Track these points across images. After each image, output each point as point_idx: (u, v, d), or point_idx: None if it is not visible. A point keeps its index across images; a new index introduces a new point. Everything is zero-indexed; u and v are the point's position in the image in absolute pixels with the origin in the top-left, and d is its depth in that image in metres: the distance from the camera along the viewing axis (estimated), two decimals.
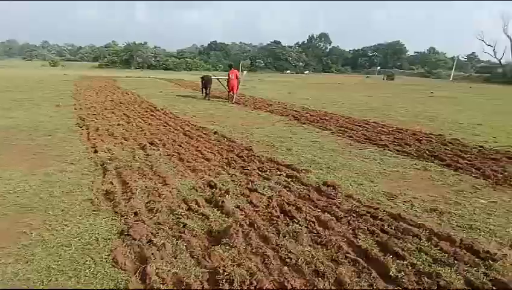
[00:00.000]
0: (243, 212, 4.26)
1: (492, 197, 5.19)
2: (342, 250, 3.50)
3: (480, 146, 8.61)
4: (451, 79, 68.72)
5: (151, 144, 7.59)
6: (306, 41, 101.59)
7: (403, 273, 3.14)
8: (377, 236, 3.82)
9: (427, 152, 7.76)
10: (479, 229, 4.11)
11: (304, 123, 11.27)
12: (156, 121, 10.66)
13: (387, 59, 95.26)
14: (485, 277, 3.08)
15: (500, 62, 73.57)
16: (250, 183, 5.29)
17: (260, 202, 4.61)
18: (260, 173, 5.84)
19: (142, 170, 5.82)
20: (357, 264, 3.26)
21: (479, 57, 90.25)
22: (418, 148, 8.20)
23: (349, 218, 4.22)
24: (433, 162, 7.09)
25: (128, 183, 5.13)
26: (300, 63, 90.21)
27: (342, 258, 3.37)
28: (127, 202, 4.48)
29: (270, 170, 5.99)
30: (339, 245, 3.57)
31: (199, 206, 4.43)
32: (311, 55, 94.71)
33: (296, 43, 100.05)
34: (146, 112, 12.53)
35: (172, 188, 5.03)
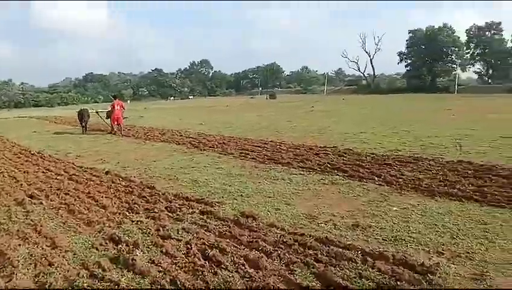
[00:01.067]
0: (161, 268, 3.61)
1: (402, 203, 5.38)
2: None
3: (372, 153, 9.19)
4: (325, 93, 75.57)
5: (31, 197, 6.32)
6: (188, 68, 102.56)
7: None
8: (312, 267, 3.54)
9: (328, 165, 7.95)
10: (404, 239, 4.13)
11: (204, 150, 10.82)
12: (33, 167, 9.10)
13: (267, 79, 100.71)
14: None
15: (363, 75, 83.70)
16: (161, 229, 4.62)
17: (178, 250, 4.00)
18: (170, 214, 5.20)
19: (23, 232, 4.71)
20: None
21: (345, 71, 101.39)
22: (318, 162, 8.38)
23: (279, 252, 3.88)
24: (337, 174, 7.24)
25: (6, 253, 4.06)
26: (186, 89, 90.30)
27: None
28: (8, 281, 3.49)
29: (180, 208, 5.38)
30: (277, 288, 3.19)
31: (104, 270, 3.63)
32: (195, 80, 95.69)
33: (178, 70, 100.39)
34: (19, 157, 10.73)
35: (66, 251, 4.11)
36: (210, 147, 11.21)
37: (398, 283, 3.16)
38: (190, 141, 12.50)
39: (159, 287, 3.24)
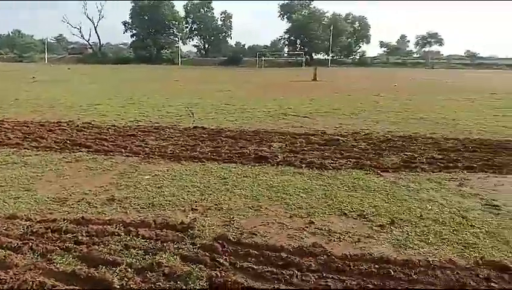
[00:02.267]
0: None
1: (152, 171, 5.63)
2: (45, 286, 2.81)
3: (114, 125, 9.08)
4: (46, 62, 67.49)
5: None
6: None
7: (126, 279, 2.91)
8: (74, 251, 3.31)
9: (68, 142, 7.36)
10: (161, 204, 4.39)
11: None
12: None
13: None
14: (194, 247, 3.35)
15: (88, 43, 79.10)
16: None
17: None
18: None
19: None
20: None
21: (68, 38, 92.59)
22: (55, 139, 7.63)
23: (30, 244, 3.39)
24: (80, 151, 6.79)
25: None
26: None
27: None
28: None
29: None
30: (38, 282, 2.84)
31: None
32: None
33: None
34: None
35: None
36: None
37: (164, 244, 3.39)
38: None
39: None
